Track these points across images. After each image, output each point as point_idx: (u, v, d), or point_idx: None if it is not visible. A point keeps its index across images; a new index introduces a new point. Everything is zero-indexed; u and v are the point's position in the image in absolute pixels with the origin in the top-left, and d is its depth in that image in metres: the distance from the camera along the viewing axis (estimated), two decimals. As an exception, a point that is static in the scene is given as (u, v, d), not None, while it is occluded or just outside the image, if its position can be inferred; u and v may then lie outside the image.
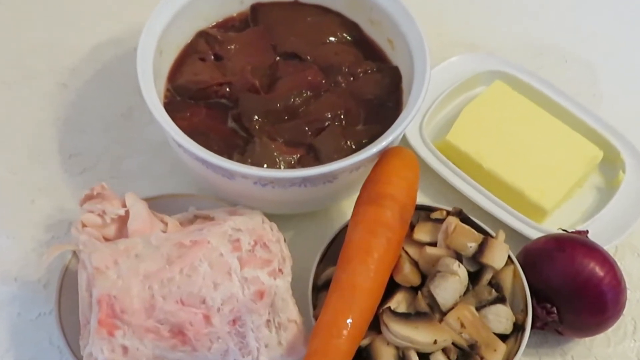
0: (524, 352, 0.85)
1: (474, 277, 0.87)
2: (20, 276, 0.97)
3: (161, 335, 0.80)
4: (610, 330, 0.94)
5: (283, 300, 0.85)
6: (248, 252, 0.85)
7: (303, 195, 0.92)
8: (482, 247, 0.87)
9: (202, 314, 0.81)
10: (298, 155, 0.93)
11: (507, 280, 0.89)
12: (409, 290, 0.87)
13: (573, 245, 0.91)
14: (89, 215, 0.87)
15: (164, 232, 0.88)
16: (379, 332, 0.84)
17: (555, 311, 0.90)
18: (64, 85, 1.14)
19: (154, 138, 1.09)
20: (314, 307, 0.87)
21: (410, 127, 1.02)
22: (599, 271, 0.89)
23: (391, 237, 0.85)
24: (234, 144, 0.94)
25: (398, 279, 0.87)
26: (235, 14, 1.06)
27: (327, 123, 0.95)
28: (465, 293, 0.86)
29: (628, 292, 0.92)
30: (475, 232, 0.88)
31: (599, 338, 0.96)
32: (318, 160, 0.92)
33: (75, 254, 0.91)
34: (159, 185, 1.05)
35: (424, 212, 0.93)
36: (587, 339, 0.96)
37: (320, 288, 0.89)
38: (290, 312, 0.85)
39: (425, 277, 0.87)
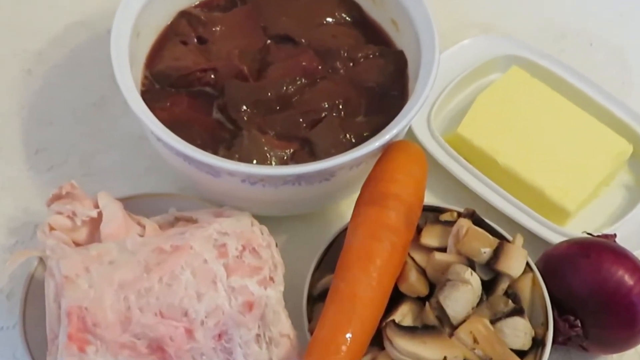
0: (544, 370, 0.86)
1: (488, 287, 0.87)
2: (-20, 286, 0.98)
3: (138, 351, 0.80)
4: (640, 345, 0.94)
5: (274, 312, 0.85)
6: (235, 259, 0.85)
7: (297, 195, 0.92)
8: (497, 253, 0.87)
9: (184, 327, 0.81)
10: (291, 150, 0.93)
11: (525, 290, 0.89)
12: (416, 301, 0.87)
13: (599, 250, 0.91)
14: (58, 217, 0.87)
15: (142, 236, 0.88)
16: (382, 347, 0.84)
17: (579, 324, 0.90)
18: (28, 71, 1.14)
19: (130, 131, 1.09)
20: (309, 320, 0.88)
21: (416, 118, 1.02)
22: (628, 280, 0.89)
23: (395, 242, 0.85)
24: (220, 137, 0.94)
25: (403, 288, 0.87)
26: (221, -8, 1.06)
27: (323, 114, 0.96)
28: (478, 304, 0.86)
29: (660, 303, 0.92)
30: (490, 236, 0.88)
31: (628, 354, 0.97)
32: (314, 156, 0.92)
33: (41, 260, 0.91)
34: (135, 183, 1.05)
35: (433, 213, 0.93)
36: (614, 355, 0.96)
37: (316, 299, 0.89)
38: (283, 325, 0.86)
39: (433, 287, 0.88)
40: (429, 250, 0.89)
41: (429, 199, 0.98)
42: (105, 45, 0.92)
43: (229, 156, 0.90)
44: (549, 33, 1.23)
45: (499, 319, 0.85)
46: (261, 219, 0.91)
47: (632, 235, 1.01)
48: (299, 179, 0.88)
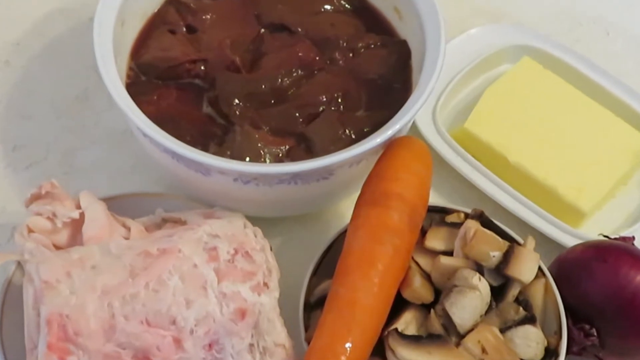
0: (557, 381, 0.86)
1: (497, 293, 0.87)
2: (-46, 292, 0.97)
3: (123, 362, 0.81)
4: (660, 356, 0.94)
5: (269, 320, 0.85)
6: (227, 263, 0.85)
7: (293, 195, 0.92)
8: (507, 257, 0.87)
9: (172, 336, 0.81)
10: (287, 147, 0.93)
11: (537, 297, 0.89)
12: (420, 308, 0.87)
13: (616, 254, 0.91)
14: (37, 218, 0.87)
15: (127, 238, 0.88)
16: (384, 358, 0.84)
17: (595, 333, 0.90)
18: (6, 62, 1.14)
19: (114, 126, 1.09)
20: (306, 328, 0.88)
21: (421, 112, 1.02)
22: (648, 285, 0.89)
23: (398, 245, 0.85)
24: (211, 133, 0.94)
25: (406, 294, 0.87)
26: (211, -23, 1.06)
27: (321, 108, 0.96)
28: (487, 312, 0.86)
29: (682, 310, 0.92)
30: (499, 238, 0.88)
31: (647, 365, 0.97)
32: (311, 153, 0.92)
33: (20, 264, 0.91)
34: (120, 182, 1.05)
35: (438, 214, 0.93)
36: (632, 366, 0.97)
37: (314, 306, 0.89)
38: (278, 334, 0.86)
39: (439, 293, 0.88)
40: (434, 253, 0.89)
41: (434, 199, 0.98)
42: (88, 35, 0.91)
43: (220, 153, 0.90)
44: (562, 21, 1.23)
45: (509, 327, 0.86)
46: (255, 220, 0.91)
47: (651, 237, 1.01)
48: (295, 177, 0.88)
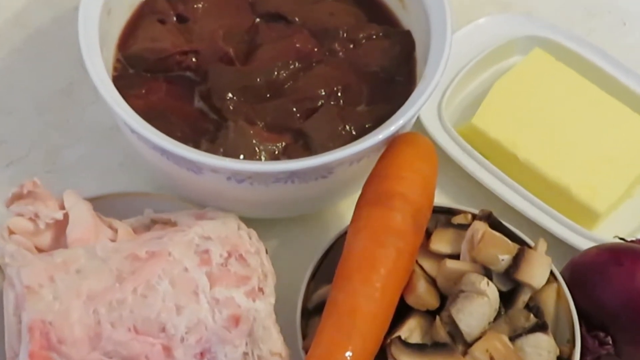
0: (570, 393, 0.86)
1: (507, 299, 0.87)
2: None
3: (109, 371, 0.81)
4: (679, 365, 0.94)
5: (264, 327, 0.85)
6: (220, 267, 0.85)
7: (290, 195, 0.92)
8: (517, 261, 0.87)
9: (162, 344, 0.81)
10: (283, 144, 0.93)
11: (549, 303, 0.89)
12: (425, 315, 0.87)
13: (633, 257, 0.91)
14: (18, 219, 0.87)
15: (113, 241, 0.88)
16: (386, 367, 0.84)
17: (611, 341, 0.90)
18: (-15, 54, 1.15)
19: (101, 121, 1.09)
20: (304, 336, 0.88)
21: (425, 107, 1.02)
22: (666, 291, 0.89)
23: (402, 248, 0.85)
24: (202, 128, 0.94)
25: (410, 300, 0.87)
26: (203, -37, 1.06)
27: (320, 102, 0.96)
28: (495, 319, 0.86)
29: (702, 317, 0.92)
30: (509, 241, 0.88)
31: (666, 375, 0.97)
32: (309, 150, 0.92)
33: (0, 268, 0.91)
34: (106, 181, 1.05)
35: (444, 215, 0.93)
36: (650, 376, 0.97)
37: (312, 312, 0.89)
38: (274, 342, 0.86)
39: (444, 299, 0.88)
40: (440, 257, 0.89)
41: (440, 199, 0.98)
42: (72, 25, 0.92)
43: (212, 150, 0.90)
44: (576, 10, 1.23)
45: (519, 335, 0.86)
46: (249, 221, 0.91)
47: (670, 240, 1.01)
48: (292, 176, 0.88)
